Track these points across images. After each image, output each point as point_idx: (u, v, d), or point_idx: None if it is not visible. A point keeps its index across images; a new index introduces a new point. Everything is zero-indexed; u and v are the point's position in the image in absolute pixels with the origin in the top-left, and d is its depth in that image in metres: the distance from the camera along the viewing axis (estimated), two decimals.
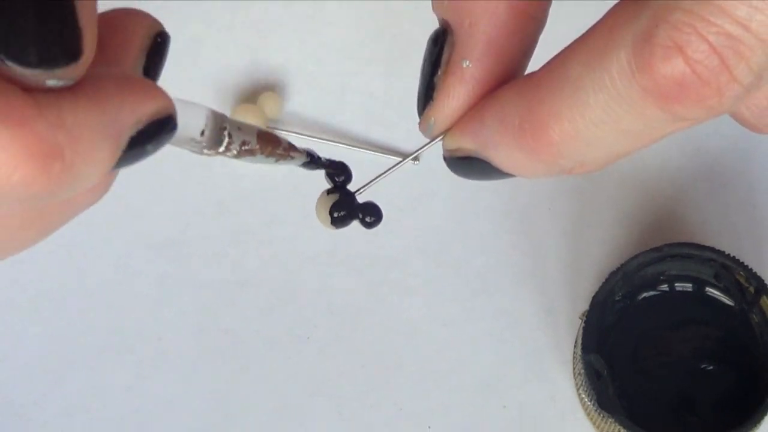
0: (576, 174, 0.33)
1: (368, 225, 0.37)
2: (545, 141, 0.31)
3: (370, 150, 0.66)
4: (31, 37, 0.25)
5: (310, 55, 0.68)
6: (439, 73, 0.34)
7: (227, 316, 0.65)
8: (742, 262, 0.59)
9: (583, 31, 0.31)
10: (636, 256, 0.60)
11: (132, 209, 0.66)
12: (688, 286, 0.62)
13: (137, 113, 0.28)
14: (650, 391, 0.60)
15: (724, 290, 0.61)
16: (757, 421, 0.56)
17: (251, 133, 0.33)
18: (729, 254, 0.59)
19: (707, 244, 0.60)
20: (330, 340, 0.64)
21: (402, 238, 0.65)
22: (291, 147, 0.34)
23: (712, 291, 0.61)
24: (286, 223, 0.65)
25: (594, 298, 0.59)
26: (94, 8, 0.27)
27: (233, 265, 0.65)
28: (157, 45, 0.31)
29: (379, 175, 0.38)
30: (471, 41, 0.33)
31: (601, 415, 0.57)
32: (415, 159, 0.66)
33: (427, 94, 0.35)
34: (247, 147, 0.32)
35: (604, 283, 0.59)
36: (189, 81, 0.67)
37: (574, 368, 0.62)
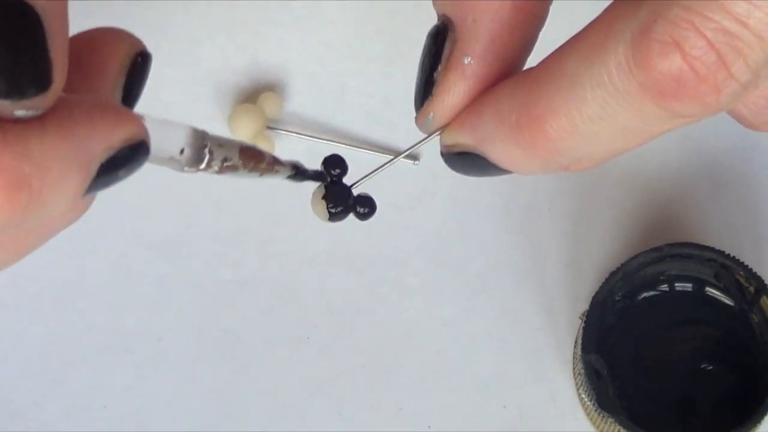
0: (573, 171, 0.33)
1: (362, 216, 0.37)
2: (542, 137, 0.31)
3: (370, 150, 0.66)
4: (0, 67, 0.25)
5: (310, 55, 0.68)
6: (440, 68, 0.34)
7: (227, 316, 0.65)
8: (742, 262, 0.59)
9: (581, 27, 0.31)
10: (636, 256, 0.59)
11: (132, 209, 0.66)
12: (688, 286, 0.62)
13: (107, 141, 0.28)
14: (650, 391, 0.60)
15: (724, 290, 0.61)
16: (757, 421, 0.56)
17: (233, 149, 0.32)
18: (729, 254, 0.59)
19: (707, 244, 0.60)
20: (330, 340, 0.64)
21: (402, 238, 0.65)
22: (275, 161, 0.34)
23: (712, 291, 0.61)
24: (286, 223, 0.65)
25: (594, 298, 0.59)
26: (66, 38, 0.26)
27: (233, 265, 0.65)
28: (138, 65, 0.31)
29: (377, 168, 0.38)
30: (473, 38, 0.33)
31: (601, 415, 0.57)
32: (415, 159, 0.66)
33: (426, 89, 0.35)
34: (228, 163, 0.32)
35: (604, 283, 0.59)
36: (189, 81, 0.67)
37: (574, 368, 0.62)
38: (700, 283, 0.61)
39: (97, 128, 0.27)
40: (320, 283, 0.65)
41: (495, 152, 0.33)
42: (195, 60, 0.68)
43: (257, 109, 0.65)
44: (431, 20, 0.35)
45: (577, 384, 0.62)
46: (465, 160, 0.35)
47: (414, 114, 0.36)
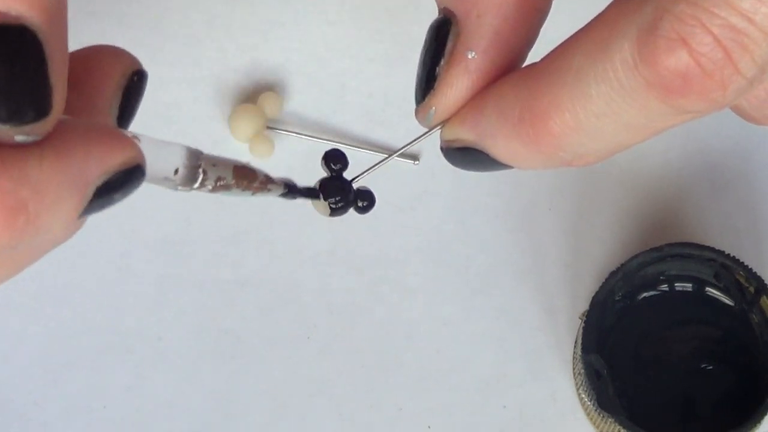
0: (574, 166, 0.32)
1: (362, 210, 0.38)
2: (545, 132, 0.31)
3: (370, 150, 0.66)
4: (0, 93, 0.25)
5: (310, 55, 0.68)
6: (442, 62, 0.34)
7: (227, 316, 0.64)
8: (742, 262, 0.59)
9: (581, 23, 0.31)
10: (636, 256, 0.59)
11: (132, 209, 0.66)
12: (688, 286, 0.62)
13: (104, 165, 0.28)
14: (650, 391, 0.60)
15: (724, 290, 0.61)
16: (757, 421, 0.56)
17: (227, 169, 0.33)
18: (729, 254, 0.59)
19: (707, 244, 0.60)
20: (330, 340, 0.64)
21: (402, 238, 0.65)
22: (268, 179, 0.34)
23: (712, 291, 0.61)
24: (286, 223, 0.65)
25: (594, 298, 0.59)
26: (65, 63, 0.27)
27: (233, 265, 0.65)
28: (134, 84, 0.31)
29: (377, 163, 0.38)
30: (478, 33, 0.33)
31: (601, 415, 0.57)
32: (415, 159, 0.66)
33: (428, 83, 0.35)
34: (222, 182, 0.32)
35: (604, 283, 0.59)
36: (189, 81, 0.67)
37: (574, 368, 0.62)
38: (700, 283, 0.61)
39: (93, 153, 0.27)
40: (320, 283, 0.65)
41: (496, 147, 0.33)
42: (195, 60, 0.68)
43: (257, 109, 0.65)
44: (431, 20, 0.35)
45: (577, 384, 0.62)
46: (465, 155, 0.35)
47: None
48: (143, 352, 0.64)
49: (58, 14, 0.26)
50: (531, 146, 0.32)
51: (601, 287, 0.59)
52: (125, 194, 0.29)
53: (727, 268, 0.60)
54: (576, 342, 0.60)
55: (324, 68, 0.68)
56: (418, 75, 0.35)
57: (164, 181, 0.31)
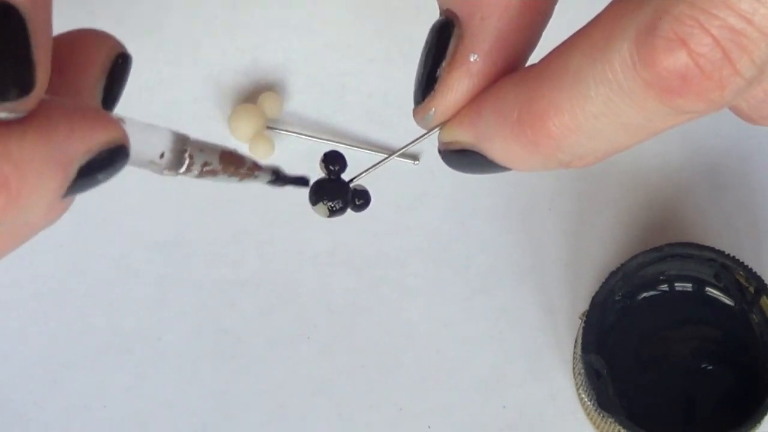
0: (573, 167, 0.32)
1: (358, 208, 0.38)
2: (544, 134, 0.31)
3: (369, 150, 0.66)
4: None
5: (310, 55, 0.68)
6: (444, 64, 0.34)
7: (227, 316, 0.64)
8: (742, 262, 0.59)
9: (580, 24, 0.31)
10: (636, 256, 0.59)
11: (132, 209, 0.66)
12: (688, 286, 0.62)
13: (87, 144, 0.28)
14: (650, 391, 0.60)
15: (724, 290, 0.61)
16: (757, 421, 0.56)
17: (214, 154, 0.33)
18: (729, 254, 0.59)
19: (707, 244, 0.60)
20: (330, 340, 0.64)
21: (402, 238, 0.65)
22: (255, 166, 0.34)
23: (712, 291, 0.61)
24: (286, 223, 0.65)
25: (594, 298, 0.59)
26: (49, 41, 0.27)
27: (233, 265, 0.65)
28: (118, 67, 0.31)
29: (375, 164, 0.38)
30: (481, 35, 0.33)
31: (601, 415, 0.57)
32: (415, 159, 0.66)
33: (428, 85, 0.34)
34: (208, 168, 0.32)
35: (604, 283, 0.59)
36: (189, 81, 0.67)
37: (574, 368, 0.62)
38: (700, 283, 0.61)
39: (76, 131, 0.28)
40: (320, 283, 0.65)
41: (495, 150, 0.33)
42: (195, 60, 0.68)
43: (257, 109, 0.65)
44: (431, 20, 0.35)
45: (577, 384, 0.62)
46: (463, 158, 0.35)
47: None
48: (143, 352, 0.64)
49: None
50: (529, 148, 0.32)
51: (601, 287, 0.59)
52: (109, 175, 0.29)
53: (727, 268, 0.60)
54: (576, 342, 0.60)
55: (324, 68, 0.68)
56: (417, 76, 0.35)
57: (150, 164, 0.31)
